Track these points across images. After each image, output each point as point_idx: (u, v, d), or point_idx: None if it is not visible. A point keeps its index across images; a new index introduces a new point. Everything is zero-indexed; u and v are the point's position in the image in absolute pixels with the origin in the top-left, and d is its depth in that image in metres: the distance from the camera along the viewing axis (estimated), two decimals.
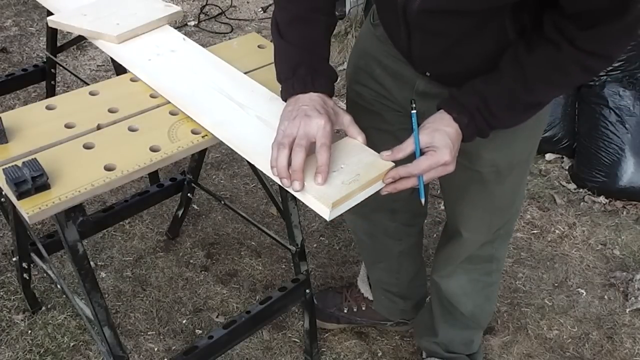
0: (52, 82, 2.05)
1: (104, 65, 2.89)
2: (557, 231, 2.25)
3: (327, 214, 1.02)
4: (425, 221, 2.24)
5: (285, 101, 1.12)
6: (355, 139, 1.11)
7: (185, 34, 1.54)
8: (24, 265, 1.68)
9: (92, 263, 1.97)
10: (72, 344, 1.77)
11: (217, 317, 1.89)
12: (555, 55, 0.98)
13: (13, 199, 1.05)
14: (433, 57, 1.13)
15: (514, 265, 2.12)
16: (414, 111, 1.12)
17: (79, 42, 2.36)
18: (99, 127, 1.23)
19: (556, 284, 2.06)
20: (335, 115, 1.09)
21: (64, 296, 1.81)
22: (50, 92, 2.07)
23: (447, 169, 1.05)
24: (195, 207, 2.24)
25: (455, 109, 1.07)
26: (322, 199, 1.02)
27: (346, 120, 1.11)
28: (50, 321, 1.82)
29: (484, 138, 1.10)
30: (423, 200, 1.09)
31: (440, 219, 2.27)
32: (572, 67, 0.99)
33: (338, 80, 1.16)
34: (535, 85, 1.03)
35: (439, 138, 1.04)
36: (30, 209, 1.03)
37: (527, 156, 1.33)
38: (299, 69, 1.12)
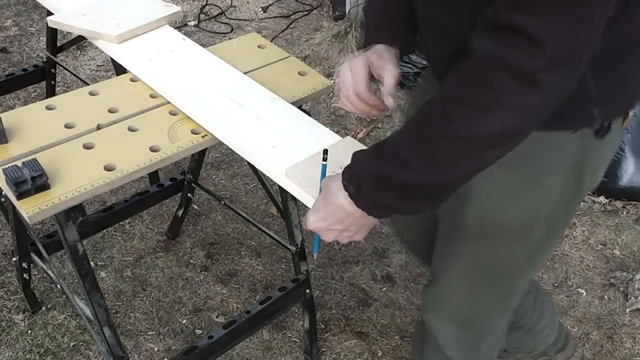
0: (52, 82, 2.05)
1: (104, 65, 2.89)
2: None
3: None
4: None
5: None
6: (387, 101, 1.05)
7: (185, 34, 1.54)
8: (24, 265, 1.68)
9: (92, 263, 1.97)
10: (72, 344, 1.77)
11: (217, 317, 1.89)
12: (471, 63, 0.79)
13: (13, 199, 1.05)
14: (444, 59, 1.01)
15: None
16: (324, 162, 1.02)
17: (79, 42, 2.36)
18: (98, 127, 1.23)
19: (556, 284, 2.06)
20: (380, 68, 1.04)
21: (64, 296, 1.81)
22: (50, 92, 2.07)
23: (324, 236, 0.94)
24: (195, 207, 2.24)
25: (346, 174, 0.89)
26: None
27: (387, 83, 1.04)
28: (50, 321, 1.82)
29: (411, 212, 0.88)
30: (315, 255, 1.08)
31: None
32: (495, 75, 0.76)
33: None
34: (455, 108, 0.80)
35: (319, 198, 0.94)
36: (30, 209, 1.03)
37: (524, 228, 1.06)
38: (368, 26, 1.14)
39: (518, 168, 0.99)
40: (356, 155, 0.89)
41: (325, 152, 1.02)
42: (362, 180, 0.86)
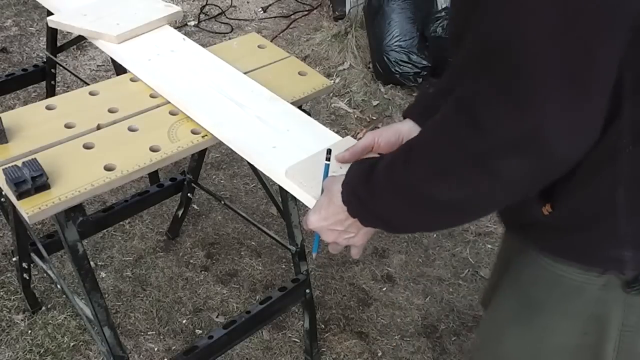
0: (52, 82, 2.05)
1: (104, 65, 2.89)
2: None
3: None
4: None
5: None
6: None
7: (185, 34, 1.54)
8: (24, 265, 1.68)
9: (92, 263, 1.97)
10: (72, 344, 1.77)
11: (217, 317, 1.89)
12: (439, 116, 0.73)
13: (13, 199, 1.05)
14: None
15: None
16: (327, 162, 1.01)
17: (79, 42, 2.36)
18: (99, 127, 1.23)
19: None
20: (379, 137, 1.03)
21: (64, 296, 1.81)
22: (50, 92, 2.07)
23: (324, 236, 0.93)
24: (195, 207, 2.24)
25: (343, 181, 0.87)
26: None
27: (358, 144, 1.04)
28: (50, 321, 1.82)
29: (383, 229, 0.87)
30: (314, 255, 1.08)
31: None
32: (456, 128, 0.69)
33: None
34: (416, 157, 0.75)
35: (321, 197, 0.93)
36: (30, 209, 1.03)
37: None
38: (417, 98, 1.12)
39: (519, 297, 0.93)
40: (352, 167, 0.87)
41: (329, 152, 1.02)
42: (350, 195, 0.85)
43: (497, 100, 0.64)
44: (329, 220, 0.91)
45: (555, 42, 0.61)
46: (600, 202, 0.78)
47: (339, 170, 1.04)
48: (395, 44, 2.77)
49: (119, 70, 1.66)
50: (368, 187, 0.81)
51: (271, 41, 2.67)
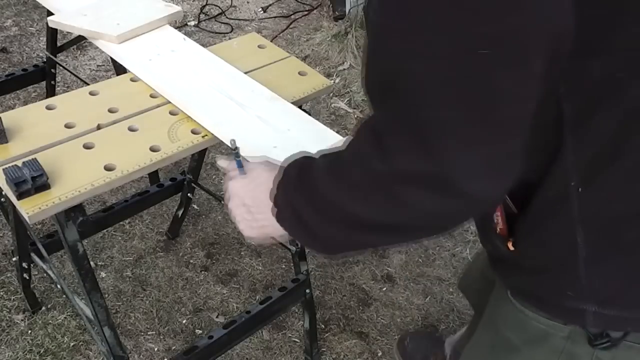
0: (52, 82, 2.05)
1: (104, 65, 2.89)
2: None
3: None
4: None
5: None
6: None
7: (185, 34, 1.54)
8: (24, 265, 1.68)
9: (92, 263, 1.97)
10: (72, 344, 1.77)
11: (217, 317, 1.89)
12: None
13: (13, 199, 1.05)
14: None
15: None
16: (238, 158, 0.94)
17: (79, 42, 2.36)
18: (99, 127, 1.23)
19: None
20: None
21: (64, 296, 1.81)
22: (50, 92, 2.07)
23: (230, 201, 0.88)
24: (195, 207, 2.24)
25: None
26: None
27: None
28: (50, 321, 1.82)
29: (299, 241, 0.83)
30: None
31: None
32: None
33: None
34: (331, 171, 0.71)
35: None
36: (30, 209, 1.03)
37: None
38: None
39: (495, 334, 0.92)
40: (296, 159, 0.80)
41: (233, 142, 0.95)
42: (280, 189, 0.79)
43: (400, 134, 0.60)
44: (248, 187, 0.86)
45: (450, 82, 0.56)
46: (559, 247, 0.75)
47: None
48: None
49: (119, 70, 1.66)
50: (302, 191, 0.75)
51: (271, 41, 2.67)
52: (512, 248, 0.80)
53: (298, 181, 0.75)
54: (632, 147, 0.67)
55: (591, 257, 0.73)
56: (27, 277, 1.73)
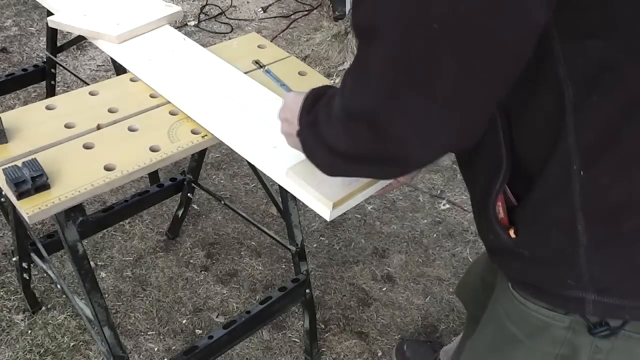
0: (52, 82, 2.05)
1: (104, 65, 2.89)
2: None
3: (327, 214, 1.03)
4: (425, 221, 2.25)
5: None
6: None
7: (185, 34, 1.54)
8: (24, 265, 1.68)
9: (92, 263, 1.97)
10: (72, 344, 1.77)
11: (217, 317, 1.89)
12: None
13: (13, 199, 1.05)
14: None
15: None
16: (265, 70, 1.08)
17: (79, 42, 2.36)
18: (98, 127, 1.23)
19: None
20: None
21: (64, 296, 1.81)
22: (50, 92, 2.07)
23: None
24: (195, 207, 2.24)
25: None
26: (323, 199, 1.02)
27: None
28: (50, 321, 1.82)
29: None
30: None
31: (440, 218, 2.27)
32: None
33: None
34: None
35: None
36: (30, 209, 1.03)
37: None
38: None
39: (497, 327, 0.93)
40: (315, 90, 0.90)
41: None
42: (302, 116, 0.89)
43: (352, 73, 0.69)
44: (288, 111, 0.95)
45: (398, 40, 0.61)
46: (560, 235, 0.76)
47: None
48: None
49: (119, 70, 1.66)
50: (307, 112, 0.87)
51: (271, 41, 2.67)
52: (513, 236, 0.81)
53: (310, 106, 0.85)
54: (632, 132, 0.67)
55: (591, 245, 0.74)
56: (27, 277, 1.73)
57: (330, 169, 0.84)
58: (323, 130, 0.79)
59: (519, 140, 0.76)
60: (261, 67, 1.11)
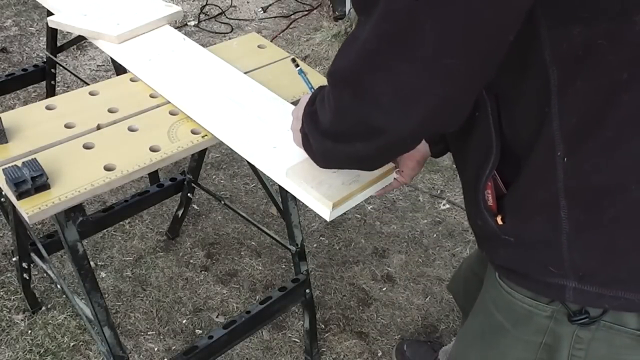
0: (52, 82, 2.05)
1: (104, 65, 2.89)
2: None
3: (327, 214, 1.03)
4: (425, 221, 2.25)
5: None
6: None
7: (185, 34, 1.54)
8: (24, 265, 1.68)
9: (92, 263, 1.97)
10: (72, 344, 1.77)
11: (217, 317, 1.89)
12: None
13: (13, 199, 1.05)
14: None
15: None
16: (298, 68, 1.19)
17: (79, 42, 2.36)
18: (98, 127, 1.23)
19: None
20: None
21: (64, 296, 1.81)
22: (50, 92, 2.07)
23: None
24: (195, 207, 2.24)
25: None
26: (323, 199, 1.02)
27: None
28: (50, 321, 1.82)
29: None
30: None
31: (440, 218, 2.27)
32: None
33: None
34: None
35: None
36: (30, 209, 1.03)
37: None
38: None
39: (485, 316, 0.95)
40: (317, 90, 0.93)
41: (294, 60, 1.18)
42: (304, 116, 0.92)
43: (347, 42, 0.73)
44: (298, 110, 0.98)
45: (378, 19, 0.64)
46: (543, 221, 0.77)
47: (339, 170, 1.07)
48: None
49: (119, 70, 1.66)
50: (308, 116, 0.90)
51: (271, 41, 2.67)
52: (500, 222, 0.82)
53: (313, 100, 0.88)
54: (615, 117, 0.68)
55: (573, 232, 0.75)
56: (27, 277, 1.73)
57: (323, 156, 0.87)
58: (319, 115, 0.82)
59: (507, 125, 0.77)
60: (297, 66, 1.20)
